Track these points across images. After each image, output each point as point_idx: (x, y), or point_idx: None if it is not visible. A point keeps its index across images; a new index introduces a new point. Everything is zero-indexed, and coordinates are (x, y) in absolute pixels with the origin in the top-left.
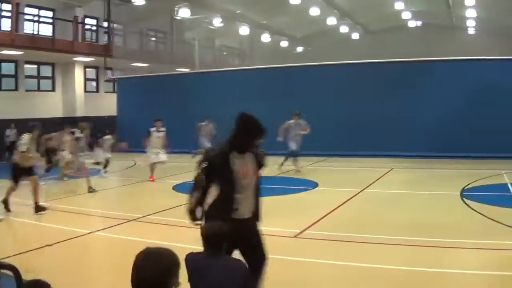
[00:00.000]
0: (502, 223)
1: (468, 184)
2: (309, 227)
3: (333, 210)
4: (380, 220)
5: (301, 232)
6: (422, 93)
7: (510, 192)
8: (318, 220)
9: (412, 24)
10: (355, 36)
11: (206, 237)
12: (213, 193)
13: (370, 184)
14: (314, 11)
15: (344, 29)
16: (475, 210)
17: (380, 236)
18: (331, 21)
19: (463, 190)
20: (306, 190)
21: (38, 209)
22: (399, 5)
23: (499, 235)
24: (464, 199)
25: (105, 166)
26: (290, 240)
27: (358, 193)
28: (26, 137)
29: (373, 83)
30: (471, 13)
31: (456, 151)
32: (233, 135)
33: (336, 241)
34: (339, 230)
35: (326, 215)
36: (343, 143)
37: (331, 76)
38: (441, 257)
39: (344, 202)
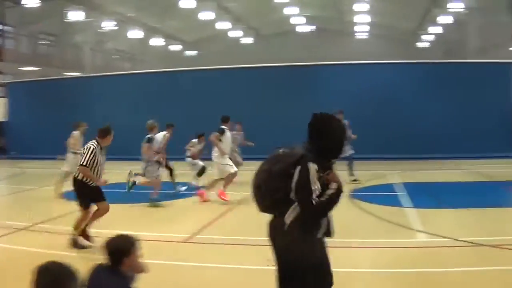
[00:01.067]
0: (390, 221)
1: (357, 185)
2: (198, 231)
3: (222, 214)
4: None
5: (190, 237)
6: (313, 97)
7: (396, 192)
8: (207, 224)
9: (304, 29)
10: (247, 40)
11: (104, 249)
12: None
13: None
14: (207, 15)
15: (236, 33)
16: (364, 210)
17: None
18: (224, 25)
19: (352, 191)
20: (195, 194)
21: (76, 243)
22: (292, 10)
23: (388, 234)
24: (353, 199)
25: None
26: (180, 245)
27: (247, 196)
28: (91, 145)
29: (264, 87)
30: (363, 18)
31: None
32: (323, 142)
33: (225, 244)
34: (229, 233)
35: (215, 219)
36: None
37: (222, 80)
38: (332, 256)
39: (234, 206)
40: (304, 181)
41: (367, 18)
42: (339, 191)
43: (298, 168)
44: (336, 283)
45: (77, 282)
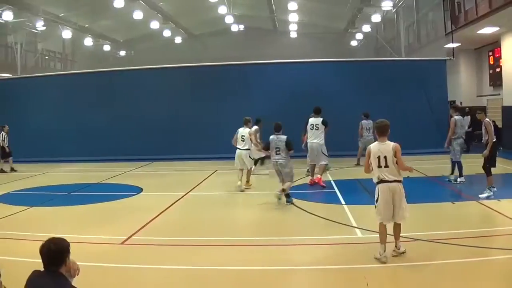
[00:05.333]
0: (325, 218)
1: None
2: (135, 233)
3: (159, 215)
4: (208, 222)
5: (127, 239)
6: (246, 96)
7: (334, 189)
8: (144, 226)
9: (234, 28)
10: (178, 40)
11: (40, 254)
12: None
13: (195, 187)
14: (138, 15)
15: (167, 33)
16: (299, 207)
17: (209, 237)
18: (154, 24)
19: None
20: (130, 195)
21: None
22: (222, 9)
23: (324, 230)
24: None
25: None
26: (116, 247)
27: (183, 196)
28: None
29: (197, 86)
30: (293, 17)
31: None
32: None
33: (164, 245)
34: (166, 234)
35: (152, 220)
36: (167, 146)
37: (154, 79)
38: (274, 255)
39: (170, 206)
40: None
41: (298, 17)
42: None
43: None
44: (276, 281)
45: None
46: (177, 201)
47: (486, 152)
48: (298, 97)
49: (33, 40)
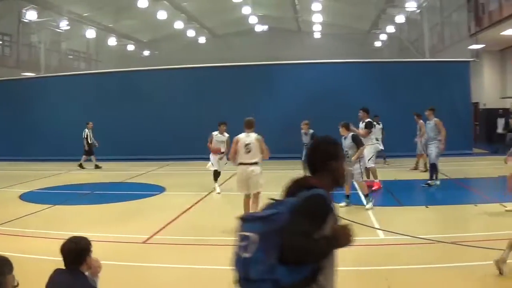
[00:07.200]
0: (348, 220)
1: None
2: (157, 232)
3: (181, 214)
4: (229, 222)
5: (149, 238)
6: (269, 96)
7: (352, 191)
8: (166, 225)
9: (258, 28)
10: (202, 40)
11: (61, 253)
12: None
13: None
14: (162, 15)
15: (191, 33)
16: None
17: (230, 238)
18: (178, 25)
19: None
20: (153, 195)
21: None
22: (246, 10)
23: None
24: None
25: None
26: (139, 246)
27: (206, 196)
28: None
29: (221, 86)
30: (317, 18)
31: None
32: None
33: (185, 245)
34: (188, 233)
35: (174, 219)
36: (188, 146)
37: (178, 79)
38: None
39: (192, 206)
40: None
41: (322, 18)
42: None
43: None
44: None
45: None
46: (199, 201)
47: None
48: (322, 98)
49: (57, 39)
